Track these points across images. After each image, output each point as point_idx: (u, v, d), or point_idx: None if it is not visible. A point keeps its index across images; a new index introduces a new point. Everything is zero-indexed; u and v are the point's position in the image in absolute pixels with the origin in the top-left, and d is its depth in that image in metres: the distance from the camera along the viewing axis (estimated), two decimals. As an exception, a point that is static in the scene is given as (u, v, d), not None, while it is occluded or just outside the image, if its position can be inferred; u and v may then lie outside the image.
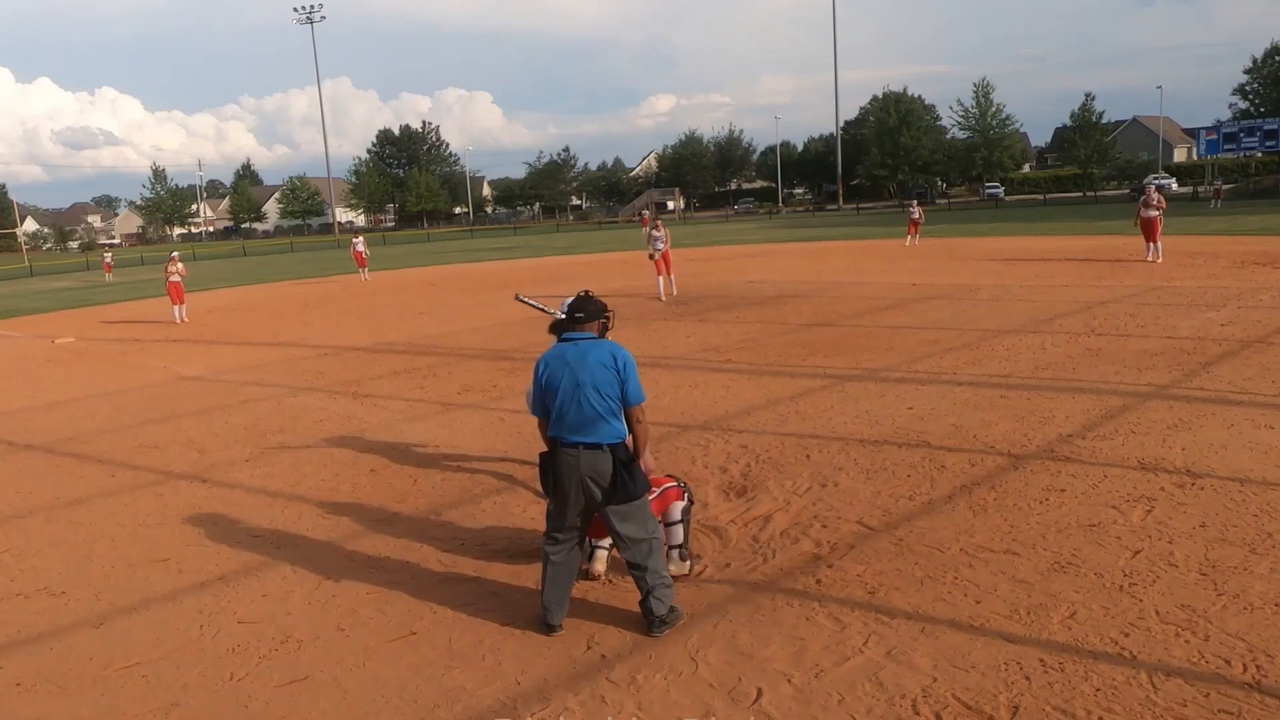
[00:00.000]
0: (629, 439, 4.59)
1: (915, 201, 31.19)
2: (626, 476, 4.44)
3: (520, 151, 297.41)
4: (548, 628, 4.53)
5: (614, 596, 4.91)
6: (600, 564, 5.15)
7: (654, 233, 19.20)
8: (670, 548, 5.05)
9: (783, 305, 16.72)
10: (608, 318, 4.79)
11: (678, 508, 5.11)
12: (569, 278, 26.26)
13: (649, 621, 4.46)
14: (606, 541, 5.14)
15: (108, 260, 46.28)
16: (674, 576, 4.88)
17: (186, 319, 20.69)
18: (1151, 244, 19.79)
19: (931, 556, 5.11)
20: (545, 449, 4.63)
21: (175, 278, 20.77)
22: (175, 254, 21.66)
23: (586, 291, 4.83)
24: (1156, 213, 19.84)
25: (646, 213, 37.21)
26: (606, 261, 32.98)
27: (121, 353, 16.48)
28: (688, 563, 5.12)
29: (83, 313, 25.70)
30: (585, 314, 4.68)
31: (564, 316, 4.72)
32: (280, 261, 48.55)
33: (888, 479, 6.50)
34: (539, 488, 4.98)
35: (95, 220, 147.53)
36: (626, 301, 18.83)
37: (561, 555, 4.57)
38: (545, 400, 4.58)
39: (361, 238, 32.45)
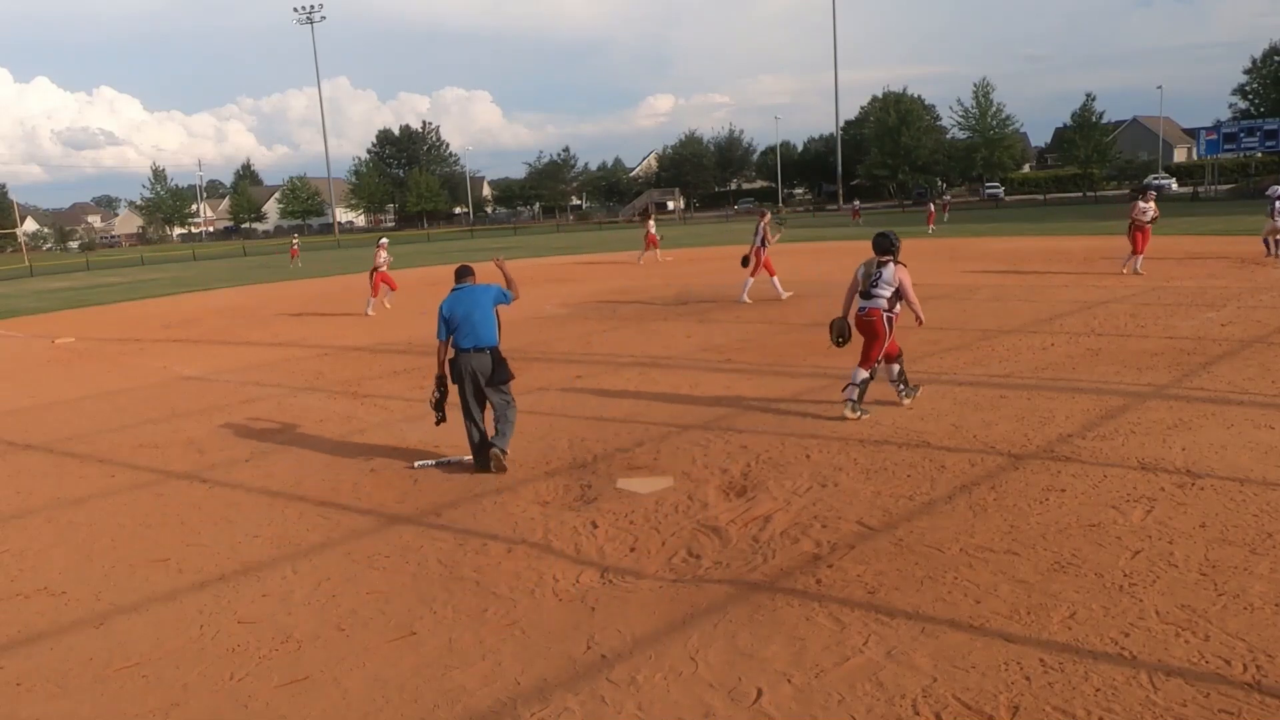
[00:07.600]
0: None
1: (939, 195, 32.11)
2: (503, 369, 7.25)
3: (520, 152, 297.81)
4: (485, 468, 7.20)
5: (614, 596, 4.91)
6: (850, 410, 8.05)
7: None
8: (894, 381, 8.48)
9: (783, 305, 16.73)
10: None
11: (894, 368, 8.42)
12: (573, 278, 26.26)
13: (495, 459, 7.10)
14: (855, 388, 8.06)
15: (295, 246, 45.19)
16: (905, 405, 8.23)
17: (388, 304, 20.20)
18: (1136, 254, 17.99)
19: (931, 556, 5.12)
20: (444, 364, 7.36)
21: (383, 267, 20.00)
22: (384, 240, 20.89)
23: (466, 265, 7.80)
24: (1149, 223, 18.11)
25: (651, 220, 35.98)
26: (608, 261, 32.96)
27: (121, 353, 16.48)
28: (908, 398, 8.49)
29: (83, 313, 25.70)
30: (469, 273, 7.63)
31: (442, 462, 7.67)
32: (280, 261, 48.54)
33: (888, 479, 6.50)
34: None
35: (95, 220, 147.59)
36: (624, 298, 18.84)
37: (479, 429, 7.27)
38: (450, 326, 7.24)
39: (653, 220, 34.12)
